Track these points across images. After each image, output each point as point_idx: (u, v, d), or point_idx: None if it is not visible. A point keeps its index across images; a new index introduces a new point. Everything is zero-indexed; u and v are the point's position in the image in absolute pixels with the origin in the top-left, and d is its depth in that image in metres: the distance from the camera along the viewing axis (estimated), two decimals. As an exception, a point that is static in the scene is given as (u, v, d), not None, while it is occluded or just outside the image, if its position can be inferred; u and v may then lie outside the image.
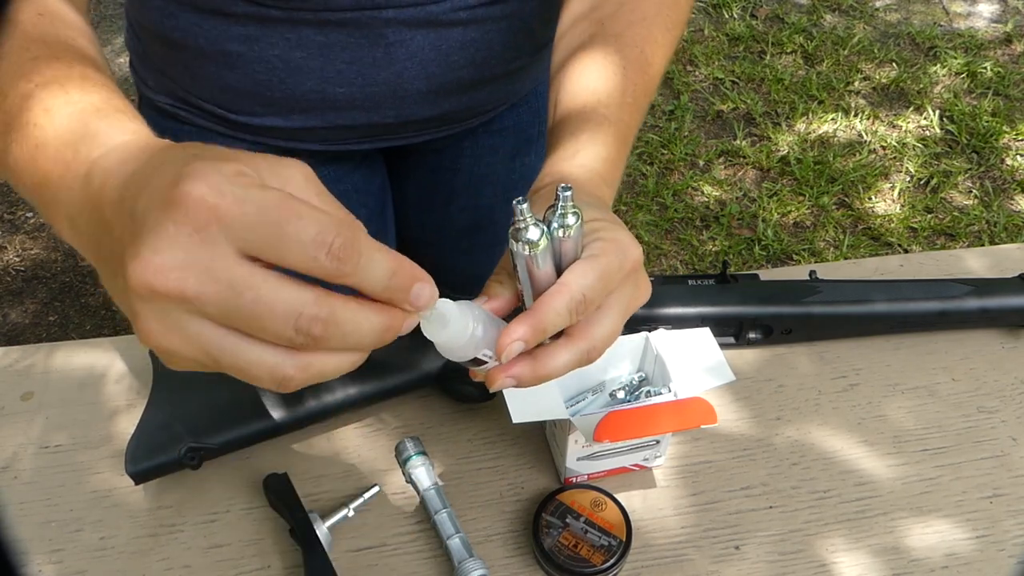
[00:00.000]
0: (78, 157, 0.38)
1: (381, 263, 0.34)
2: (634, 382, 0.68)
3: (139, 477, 0.65)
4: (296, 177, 0.35)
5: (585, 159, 0.54)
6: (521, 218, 0.42)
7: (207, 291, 0.31)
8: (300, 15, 0.68)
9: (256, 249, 0.32)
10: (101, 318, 1.91)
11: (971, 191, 2.24)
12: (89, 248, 0.38)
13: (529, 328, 0.42)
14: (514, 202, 0.41)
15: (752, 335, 0.78)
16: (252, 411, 0.68)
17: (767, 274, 0.80)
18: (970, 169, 2.29)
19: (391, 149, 0.84)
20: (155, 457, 0.65)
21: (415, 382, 0.72)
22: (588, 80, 0.58)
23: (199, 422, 0.67)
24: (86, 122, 0.40)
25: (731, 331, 0.77)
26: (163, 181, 0.31)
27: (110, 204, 0.35)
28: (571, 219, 0.43)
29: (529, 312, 0.43)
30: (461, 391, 0.73)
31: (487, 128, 0.87)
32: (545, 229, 0.42)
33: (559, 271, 0.44)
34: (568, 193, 0.42)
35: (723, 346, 0.78)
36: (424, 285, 0.36)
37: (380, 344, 0.36)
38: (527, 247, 0.42)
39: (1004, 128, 2.39)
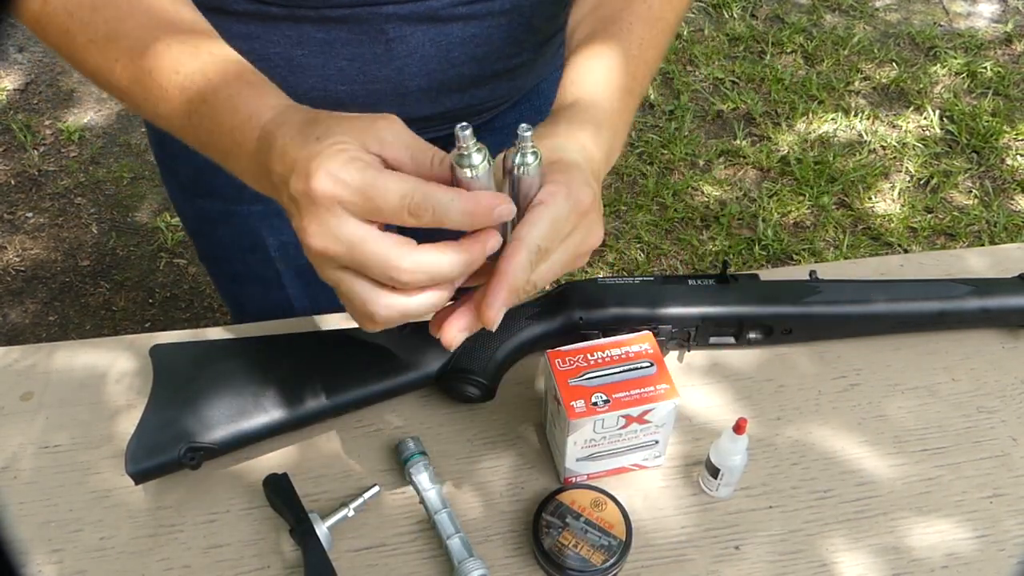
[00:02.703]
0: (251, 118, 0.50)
1: (456, 207, 0.45)
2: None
3: (139, 477, 0.65)
4: (387, 136, 0.46)
5: (598, 89, 0.57)
6: (464, 145, 0.45)
7: (331, 248, 0.45)
8: (301, 12, 0.68)
9: (366, 217, 0.45)
10: (101, 318, 1.91)
11: (971, 191, 2.24)
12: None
13: (507, 292, 0.47)
14: (457, 128, 0.44)
15: (752, 335, 0.78)
16: (252, 411, 0.68)
17: (767, 274, 0.80)
18: (970, 169, 2.29)
19: None
20: (155, 457, 0.65)
21: (415, 382, 0.72)
22: (592, 65, 0.60)
23: (199, 422, 0.67)
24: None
25: (731, 331, 0.77)
26: (302, 174, 0.45)
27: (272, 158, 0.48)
28: (530, 158, 0.46)
29: (500, 277, 0.47)
30: (461, 391, 0.73)
31: (489, 127, 0.87)
32: (486, 154, 0.45)
33: (520, 212, 0.47)
34: (528, 134, 0.45)
35: (723, 346, 0.79)
36: (503, 207, 0.46)
37: (472, 263, 0.47)
38: (471, 170, 0.45)
39: (1004, 128, 2.38)
